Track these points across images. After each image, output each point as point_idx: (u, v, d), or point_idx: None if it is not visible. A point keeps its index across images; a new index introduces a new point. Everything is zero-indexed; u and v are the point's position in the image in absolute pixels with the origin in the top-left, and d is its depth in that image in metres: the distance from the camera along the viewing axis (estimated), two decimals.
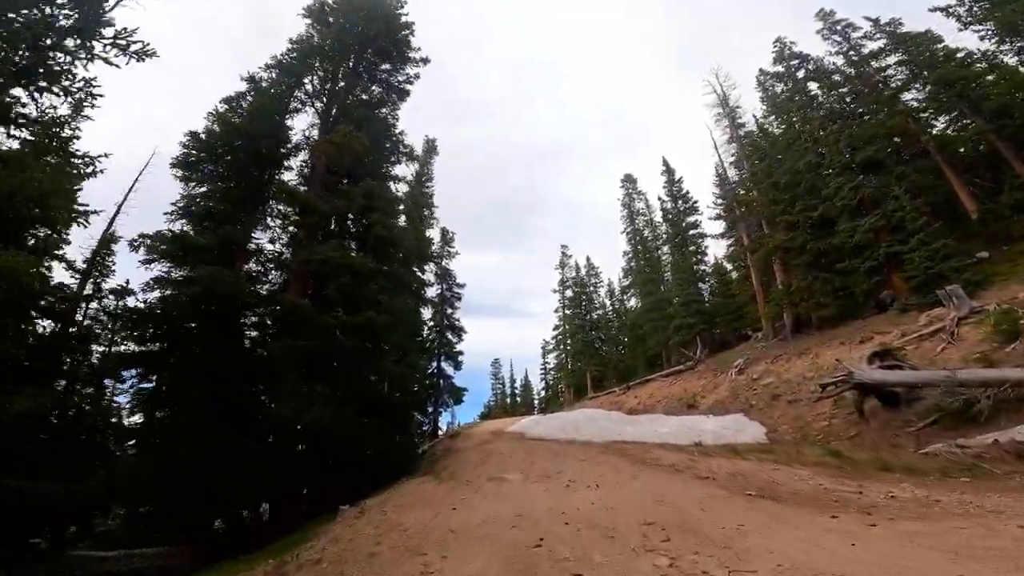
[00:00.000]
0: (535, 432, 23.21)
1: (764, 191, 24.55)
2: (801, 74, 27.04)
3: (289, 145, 16.58)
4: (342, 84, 18.45)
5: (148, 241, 12.84)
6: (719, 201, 37.35)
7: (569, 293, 51.87)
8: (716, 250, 37.77)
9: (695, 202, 38.32)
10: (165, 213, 14.47)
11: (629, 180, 49.64)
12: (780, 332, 23.93)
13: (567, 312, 51.13)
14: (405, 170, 29.75)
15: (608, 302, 52.35)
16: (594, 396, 37.90)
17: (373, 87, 19.52)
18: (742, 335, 29.20)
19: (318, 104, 17.93)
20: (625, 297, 52.41)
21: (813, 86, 26.35)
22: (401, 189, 19.38)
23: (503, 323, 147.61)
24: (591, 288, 47.86)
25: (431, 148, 32.22)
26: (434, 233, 34.31)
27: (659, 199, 43.03)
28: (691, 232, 36.93)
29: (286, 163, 16.70)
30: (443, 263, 36.85)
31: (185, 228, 14.27)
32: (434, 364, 33.07)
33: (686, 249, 35.79)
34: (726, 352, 26.95)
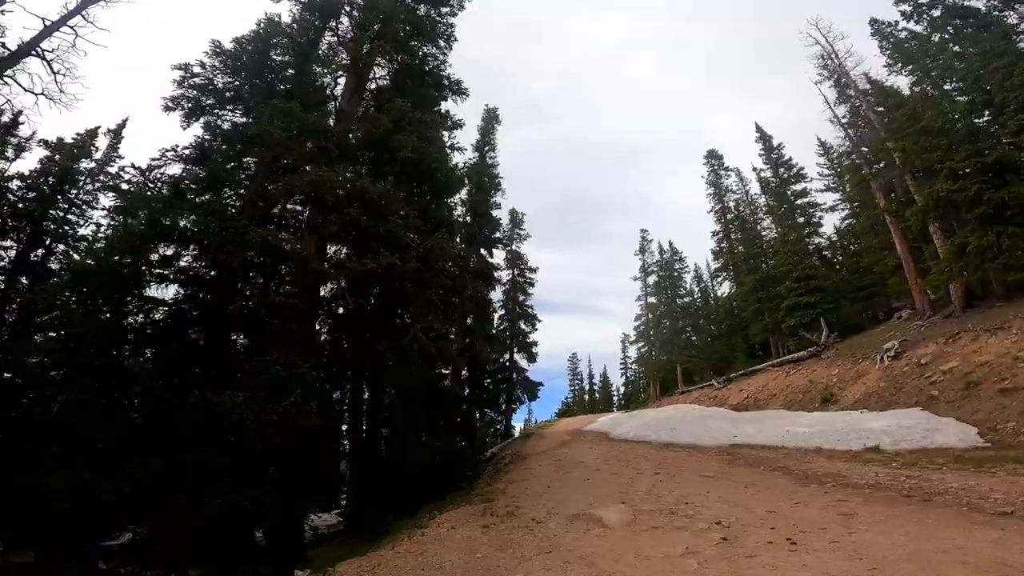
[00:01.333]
0: (621, 432, 19.74)
1: (911, 138, 19.38)
2: (938, 12, 21.70)
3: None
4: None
5: None
6: (825, 171, 31.81)
7: (652, 280, 47.48)
8: (828, 223, 31.86)
9: (800, 168, 32.84)
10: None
11: (714, 156, 44.58)
12: (940, 308, 18.74)
13: (650, 300, 46.77)
14: (456, 108, 27.21)
15: (696, 288, 47.34)
16: (685, 391, 33.51)
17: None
18: (878, 315, 23.87)
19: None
20: (715, 282, 47.20)
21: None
22: (458, 144, 16.36)
23: (576, 321, 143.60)
24: (676, 272, 43.09)
25: (492, 117, 29.40)
26: (501, 214, 31.55)
27: (754, 170, 37.77)
28: (799, 201, 31.55)
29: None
30: (513, 246, 34.08)
31: None
32: (506, 356, 30.32)
33: (794, 220, 30.50)
34: (859, 336, 21.91)
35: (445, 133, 15.10)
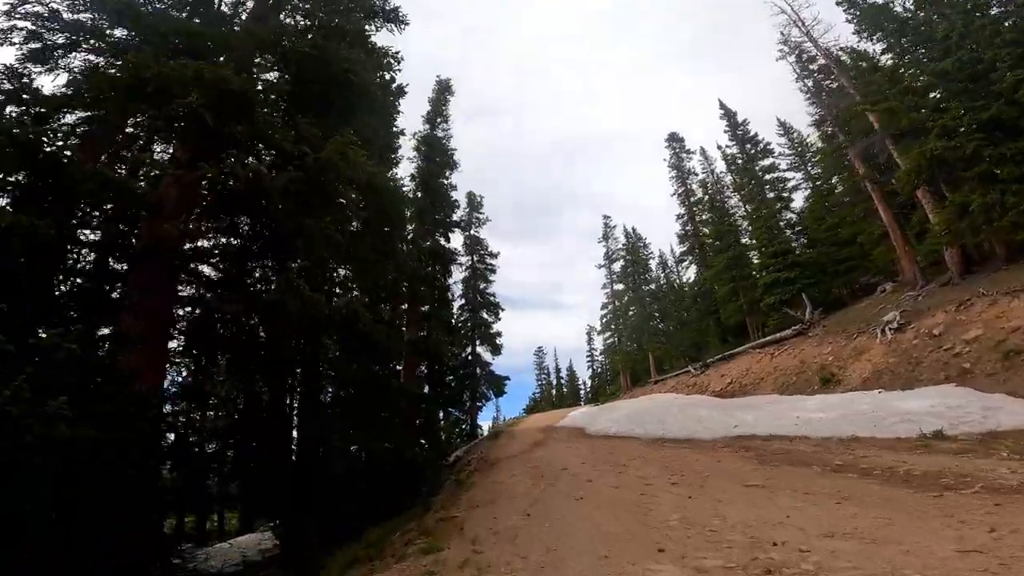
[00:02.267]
0: (600, 427, 17.61)
1: (895, 98, 18.06)
2: None
3: None
4: None
5: None
6: (787, 151, 30.76)
7: (617, 266, 45.96)
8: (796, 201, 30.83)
9: (767, 143, 31.71)
10: None
11: (675, 139, 43.29)
12: (934, 276, 17.53)
13: (617, 287, 45.23)
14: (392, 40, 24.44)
15: (661, 275, 46.07)
16: (659, 380, 31.97)
17: None
18: (860, 288, 22.72)
19: None
20: (681, 268, 46.16)
21: None
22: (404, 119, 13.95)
23: (540, 316, 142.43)
24: (642, 257, 41.56)
25: (445, 88, 26.57)
26: (458, 196, 28.97)
27: (719, 148, 36.50)
28: (768, 176, 30.36)
29: None
30: (472, 231, 31.54)
31: None
32: (468, 350, 27.79)
33: (764, 195, 29.25)
34: (843, 311, 20.59)
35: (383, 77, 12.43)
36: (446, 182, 24.39)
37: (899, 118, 17.92)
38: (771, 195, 29.60)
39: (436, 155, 23.61)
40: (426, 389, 20.51)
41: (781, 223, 27.92)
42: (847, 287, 23.74)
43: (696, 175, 41.21)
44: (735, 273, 27.91)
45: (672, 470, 8.32)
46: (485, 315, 28.65)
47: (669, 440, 12.77)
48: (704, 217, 36.58)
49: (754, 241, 27.23)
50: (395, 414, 13.93)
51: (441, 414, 28.29)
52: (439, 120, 25.31)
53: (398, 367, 17.25)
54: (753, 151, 32.76)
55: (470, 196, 32.90)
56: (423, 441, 16.89)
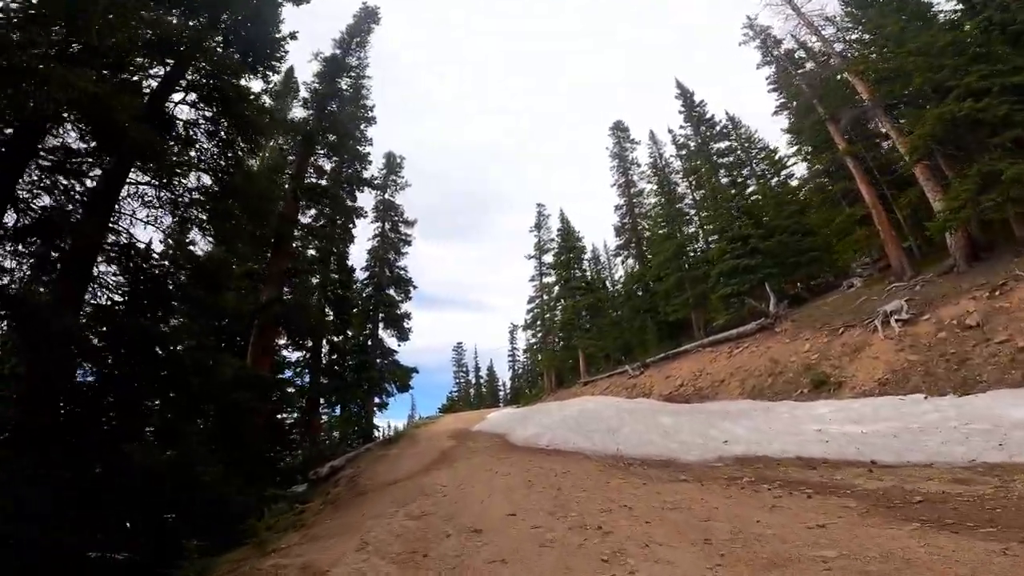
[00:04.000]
0: (528, 435, 13.19)
1: (900, 59, 15.29)
2: None
3: None
4: None
5: None
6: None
7: (548, 257, 42.31)
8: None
9: (724, 125, 29.19)
10: None
11: (619, 128, 40.63)
12: (924, 266, 14.92)
13: (546, 280, 41.54)
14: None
15: (593, 270, 42.88)
16: (590, 381, 28.31)
17: None
18: (818, 286, 20.23)
19: None
20: (614, 263, 43.45)
21: None
22: None
23: (461, 317, 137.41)
24: (575, 246, 38.03)
25: (369, 15, 21.04)
26: (374, 154, 23.67)
27: (669, 131, 33.53)
28: (723, 160, 27.67)
29: None
30: (387, 195, 26.27)
31: None
32: (368, 329, 22.47)
33: (718, 179, 26.46)
34: (809, 305, 17.79)
35: None
36: (357, 124, 19.02)
37: (907, 80, 15.12)
38: (726, 179, 26.92)
39: (340, 78, 18.16)
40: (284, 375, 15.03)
41: (735, 210, 25.12)
42: (807, 282, 21.20)
43: (639, 166, 38.72)
44: (683, 261, 24.84)
45: (709, 544, 3.97)
46: (393, 292, 23.49)
47: (633, 460, 8.64)
48: (650, 202, 33.75)
49: (706, 227, 24.23)
50: (231, 412, 8.78)
51: (335, 409, 22.93)
52: (354, 47, 19.77)
53: (240, 340, 11.88)
54: (708, 133, 30.14)
55: (389, 156, 27.69)
56: (277, 448, 11.65)
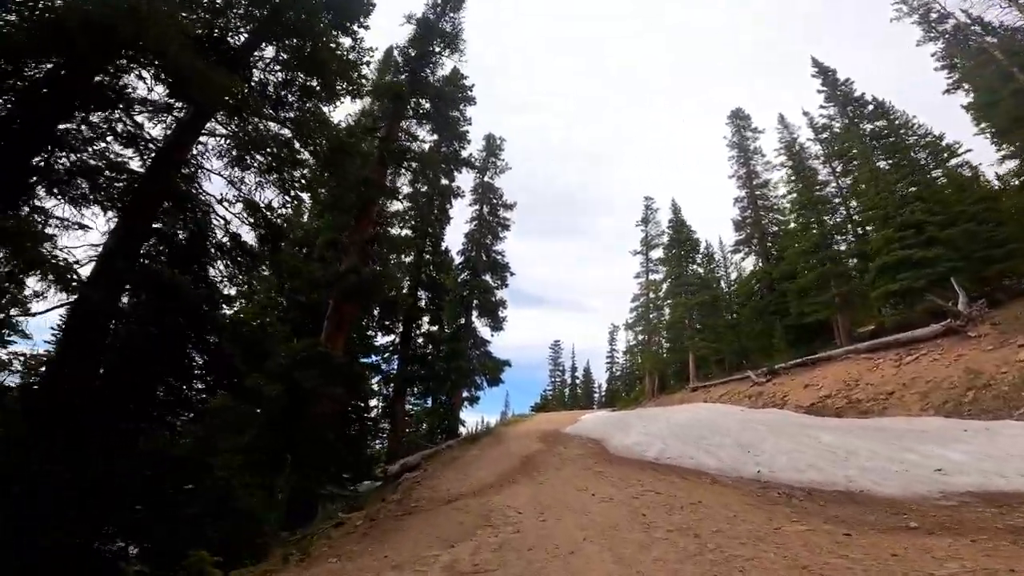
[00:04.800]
0: (629, 442, 10.89)
1: None
2: None
3: None
4: None
5: None
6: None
7: (656, 254, 39.13)
8: None
9: (881, 102, 24.34)
10: None
11: (739, 116, 36.98)
12: None
13: (653, 277, 38.41)
14: None
15: (704, 269, 38.82)
16: (700, 386, 25.00)
17: None
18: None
19: None
20: (736, 258, 38.99)
21: None
22: None
23: (560, 316, 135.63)
24: (689, 240, 34.48)
25: None
26: (473, 134, 22.68)
27: (805, 114, 28.95)
28: (879, 143, 22.95)
29: None
30: (487, 177, 25.21)
31: None
32: (461, 319, 21.45)
33: (873, 161, 21.93)
34: (1017, 305, 13.57)
35: None
36: (448, 86, 17.87)
37: None
38: (888, 162, 22.34)
39: (433, 40, 16.98)
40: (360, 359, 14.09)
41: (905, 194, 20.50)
42: (999, 280, 16.57)
43: (762, 155, 34.56)
44: (825, 255, 20.90)
45: None
46: (489, 279, 22.28)
47: (789, 489, 6.24)
48: (778, 193, 29.64)
49: (860, 215, 20.09)
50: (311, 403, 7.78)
51: (426, 400, 22.24)
52: (448, 10, 18.71)
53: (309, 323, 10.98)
54: (860, 111, 25.48)
55: (489, 138, 26.71)
56: (352, 438, 10.66)
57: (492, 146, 26.48)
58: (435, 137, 20.85)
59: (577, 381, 59.40)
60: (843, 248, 22.28)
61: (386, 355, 18.77)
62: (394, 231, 18.91)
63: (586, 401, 53.02)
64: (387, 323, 13.49)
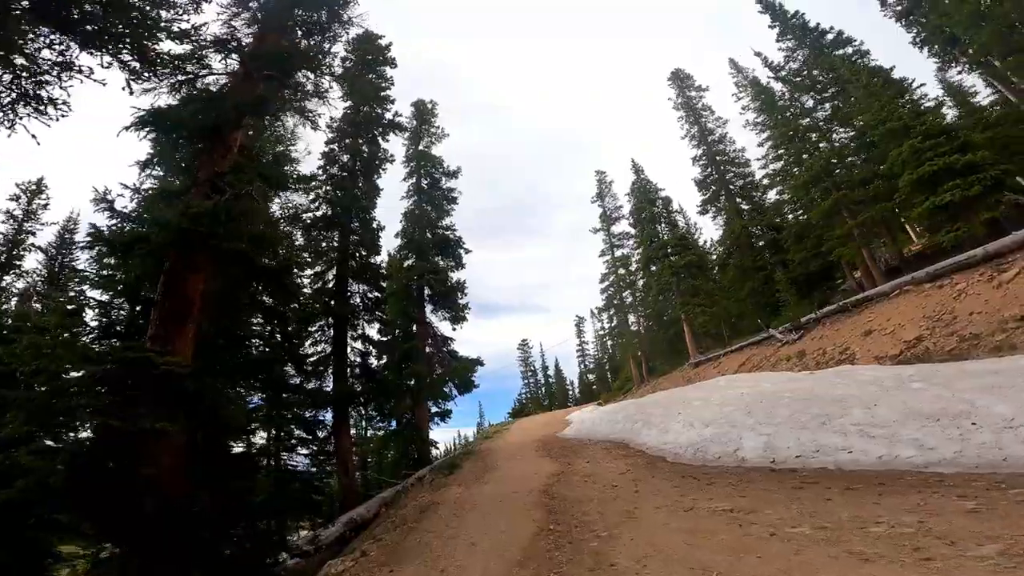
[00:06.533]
0: (683, 443, 6.54)
1: None
2: None
3: None
4: None
5: None
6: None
7: (618, 228, 35.85)
8: None
9: (840, 31, 21.75)
10: None
11: (679, 77, 34.69)
12: None
13: (619, 252, 35.00)
14: None
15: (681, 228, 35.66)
16: (703, 360, 21.26)
17: None
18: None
19: None
20: (706, 219, 36.05)
21: None
22: None
23: (522, 321, 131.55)
24: (664, 196, 31.17)
25: None
26: (399, 103, 18.11)
27: (757, 55, 26.24)
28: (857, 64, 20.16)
29: None
30: (421, 146, 20.58)
31: None
32: (411, 310, 16.63)
33: (865, 75, 19.01)
34: None
35: None
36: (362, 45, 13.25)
37: None
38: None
39: None
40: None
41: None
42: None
43: (712, 112, 31.97)
44: (832, 182, 17.68)
45: None
46: (440, 260, 17.62)
47: None
48: (737, 147, 26.50)
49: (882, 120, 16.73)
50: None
51: (391, 423, 17.19)
52: None
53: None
54: (819, 41, 22.79)
55: (417, 104, 22.05)
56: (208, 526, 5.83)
57: (423, 111, 21.90)
58: (348, 104, 16.41)
59: (550, 381, 55.36)
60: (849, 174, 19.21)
61: (319, 369, 13.79)
62: (302, 202, 14.06)
63: (562, 400, 49.02)
64: (280, 309, 8.51)
